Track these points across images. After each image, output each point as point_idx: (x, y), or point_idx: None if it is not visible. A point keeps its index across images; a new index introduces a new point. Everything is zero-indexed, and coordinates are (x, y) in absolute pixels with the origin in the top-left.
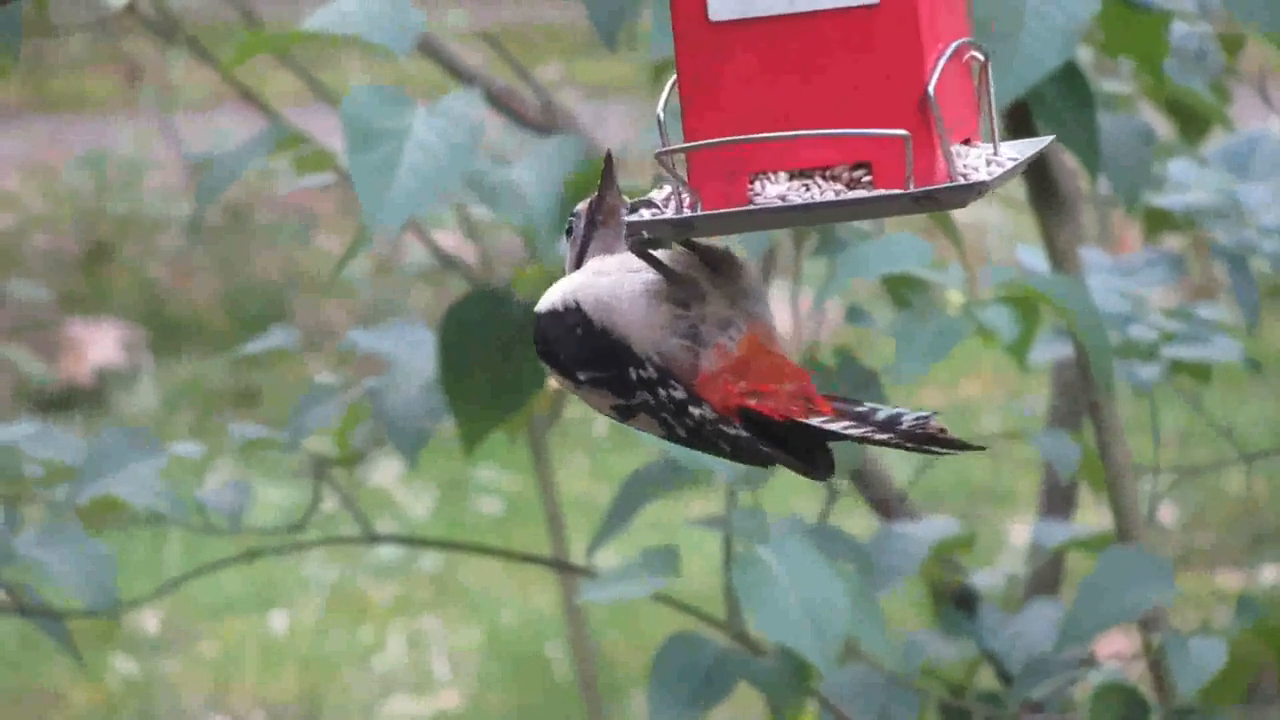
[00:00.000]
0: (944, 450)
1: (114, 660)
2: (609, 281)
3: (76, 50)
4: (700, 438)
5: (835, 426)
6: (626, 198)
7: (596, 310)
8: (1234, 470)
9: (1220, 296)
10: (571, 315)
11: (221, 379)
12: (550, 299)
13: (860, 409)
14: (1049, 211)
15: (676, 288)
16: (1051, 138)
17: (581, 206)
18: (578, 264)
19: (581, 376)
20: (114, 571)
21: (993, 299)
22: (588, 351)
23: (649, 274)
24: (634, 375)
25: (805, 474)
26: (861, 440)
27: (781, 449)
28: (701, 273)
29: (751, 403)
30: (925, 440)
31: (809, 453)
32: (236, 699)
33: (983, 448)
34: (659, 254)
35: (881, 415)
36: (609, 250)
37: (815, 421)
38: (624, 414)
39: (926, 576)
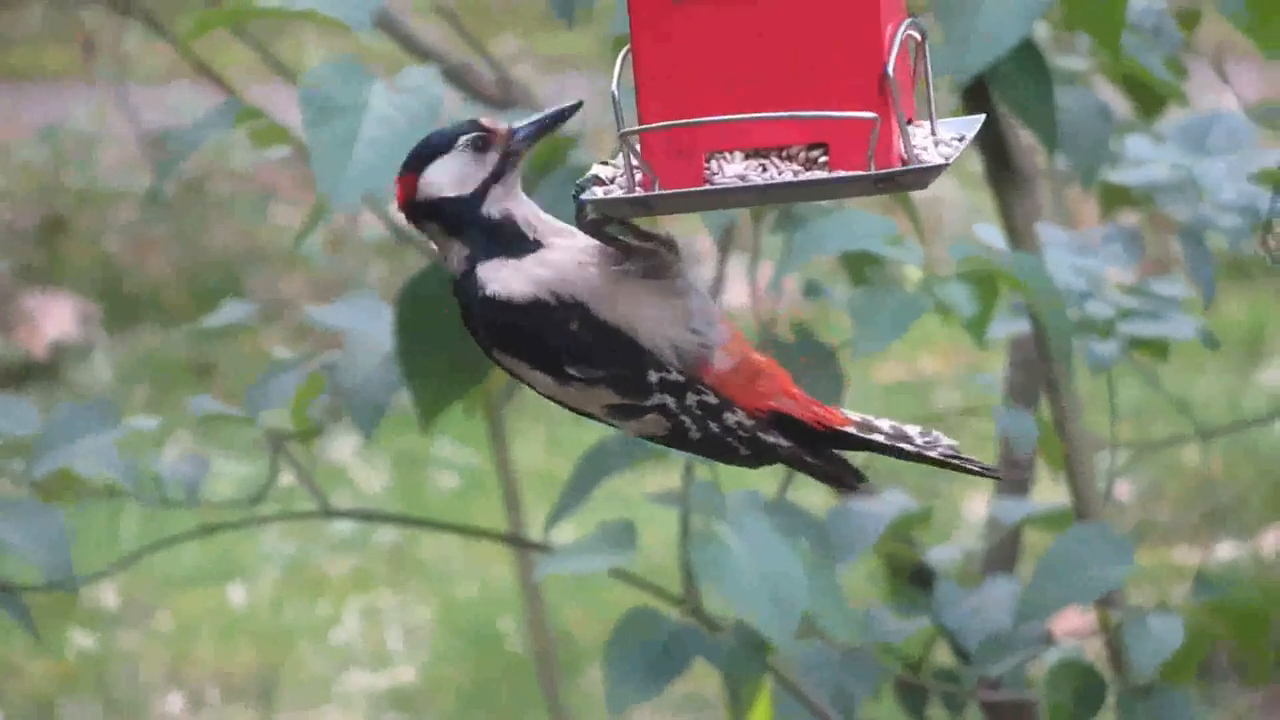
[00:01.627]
0: (963, 469)
1: (71, 634)
2: (601, 271)
3: (33, 23)
4: (717, 442)
5: (873, 437)
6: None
7: (597, 304)
8: (1190, 446)
9: (1176, 272)
10: (564, 308)
11: (178, 353)
12: (516, 286)
13: (857, 418)
14: (1006, 188)
15: (664, 279)
16: (982, 117)
17: (489, 123)
18: (478, 190)
19: (574, 373)
20: (71, 545)
21: (951, 275)
22: (584, 348)
23: (633, 263)
24: (654, 377)
25: (837, 485)
26: (898, 454)
27: (818, 457)
28: (672, 261)
29: (777, 404)
30: (946, 456)
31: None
32: (193, 672)
33: (998, 475)
34: (617, 233)
35: (887, 426)
36: (509, 190)
37: (851, 430)
38: (623, 414)
39: (883, 552)
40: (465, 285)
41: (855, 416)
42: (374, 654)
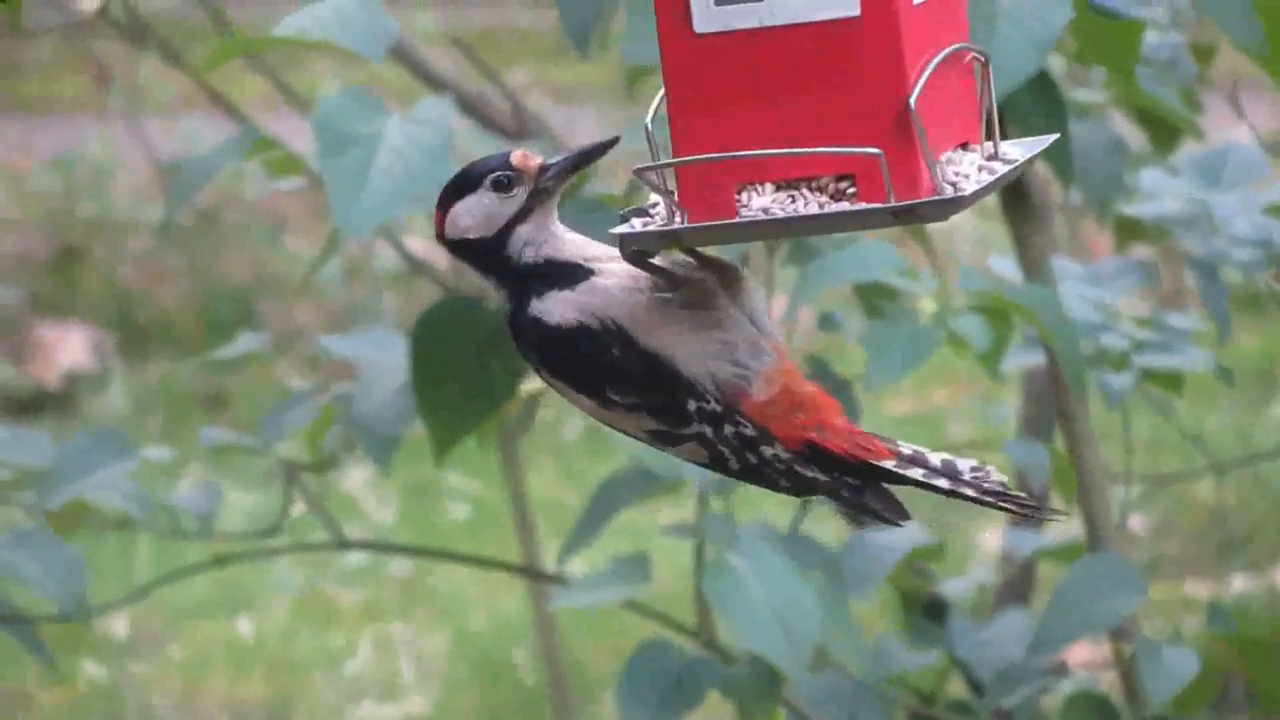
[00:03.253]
0: (1009, 508)
1: (83, 664)
2: (646, 300)
3: (46, 53)
4: (756, 473)
5: (913, 473)
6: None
7: (641, 332)
8: (1204, 479)
9: (1189, 305)
10: (608, 335)
11: (191, 383)
12: (566, 312)
13: (907, 450)
14: (1021, 220)
15: (707, 309)
16: (1055, 136)
17: (519, 160)
18: (504, 228)
19: (617, 399)
20: (84, 575)
21: (965, 308)
22: (628, 375)
23: (676, 292)
24: (692, 406)
25: (881, 520)
26: (942, 493)
27: (859, 491)
28: (718, 290)
29: (815, 436)
30: (994, 495)
31: (865, 494)
32: (205, 703)
33: (1060, 514)
34: (662, 263)
35: (935, 460)
36: (550, 224)
37: (889, 464)
38: (665, 440)
39: (897, 585)
40: (516, 318)
41: (907, 450)
42: (386, 685)
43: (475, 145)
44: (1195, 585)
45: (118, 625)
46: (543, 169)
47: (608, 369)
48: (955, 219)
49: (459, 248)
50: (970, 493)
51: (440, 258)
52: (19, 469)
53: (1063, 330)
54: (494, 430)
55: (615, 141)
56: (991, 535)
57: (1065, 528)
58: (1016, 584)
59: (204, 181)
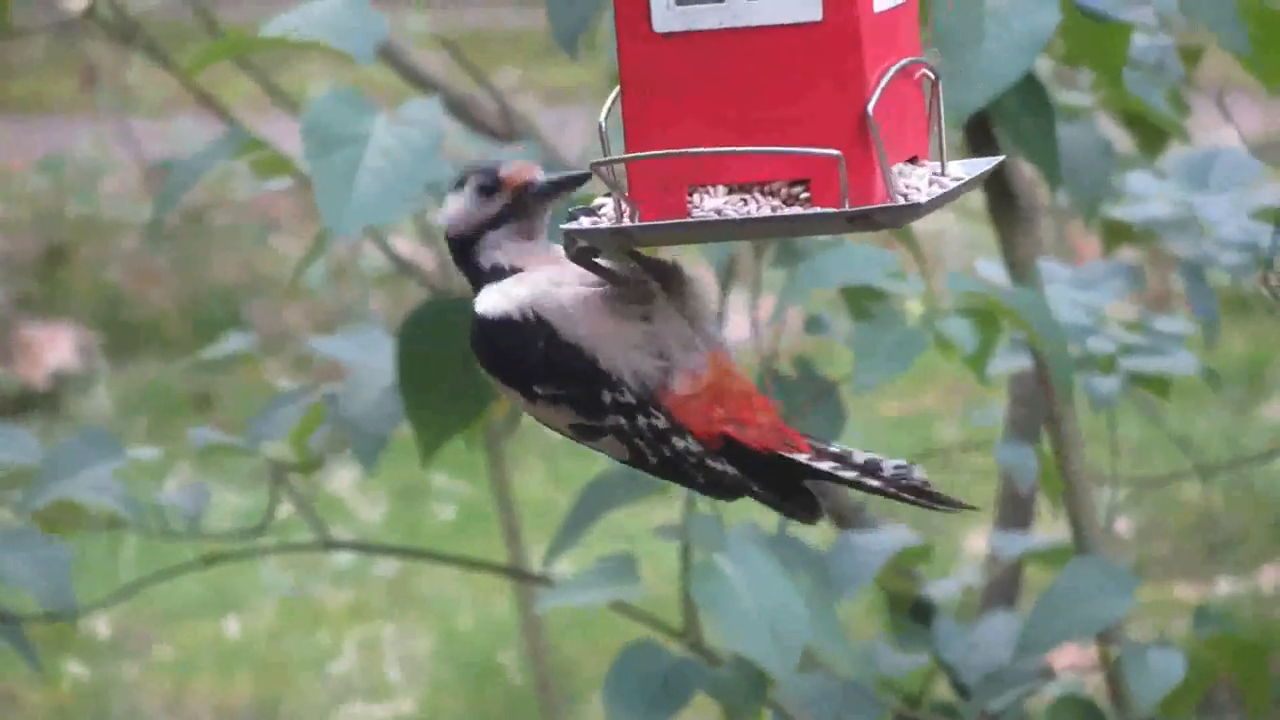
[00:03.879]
0: (930, 504)
1: (69, 664)
2: (572, 293)
3: (35, 53)
4: (674, 468)
5: (824, 466)
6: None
7: (564, 324)
8: (1191, 482)
9: (1177, 307)
10: (532, 326)
11: (178, 383)
12: (497, 304)
13: (834, 449)
14: (1008, 223)
15: (639, 304)
16: (999, 159)
17: (506, 173)
18: (476, 230)
19: (539, 391)
20: (70, 575)
21: (952, 310)
22: (549, 366)
23: (610, 287)
24: (607, 398)
25: (790, 516)
26: (852, 485)
27: (767, 487)
28: (657, 292)
29: (732, 430)
30: (912, 491)
31: (785, 491)
32: (192, 703)
33: (974, 508)
34: (606, 264)
35: (860, 459)
36: (527, 238)
37: (803, 458)
38: (586, 434)
39: (884, 586)
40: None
41: (834, 448)
42: (373, 686)
43: (464, 147)
44: (1182, 588)
45: (104, 625)
46: (527, 185)
47: (532, 362)
48: (941, 220)
49: (447, 236)
50: (873, 483)
51: (427, 259)
52: (6, 468)
53: (1050, 333)
54: (481, 431)
55: (588, 176)
56: (978, 537)
57: (1053, 530)
58: (1003, 586)
59: (193, 182)
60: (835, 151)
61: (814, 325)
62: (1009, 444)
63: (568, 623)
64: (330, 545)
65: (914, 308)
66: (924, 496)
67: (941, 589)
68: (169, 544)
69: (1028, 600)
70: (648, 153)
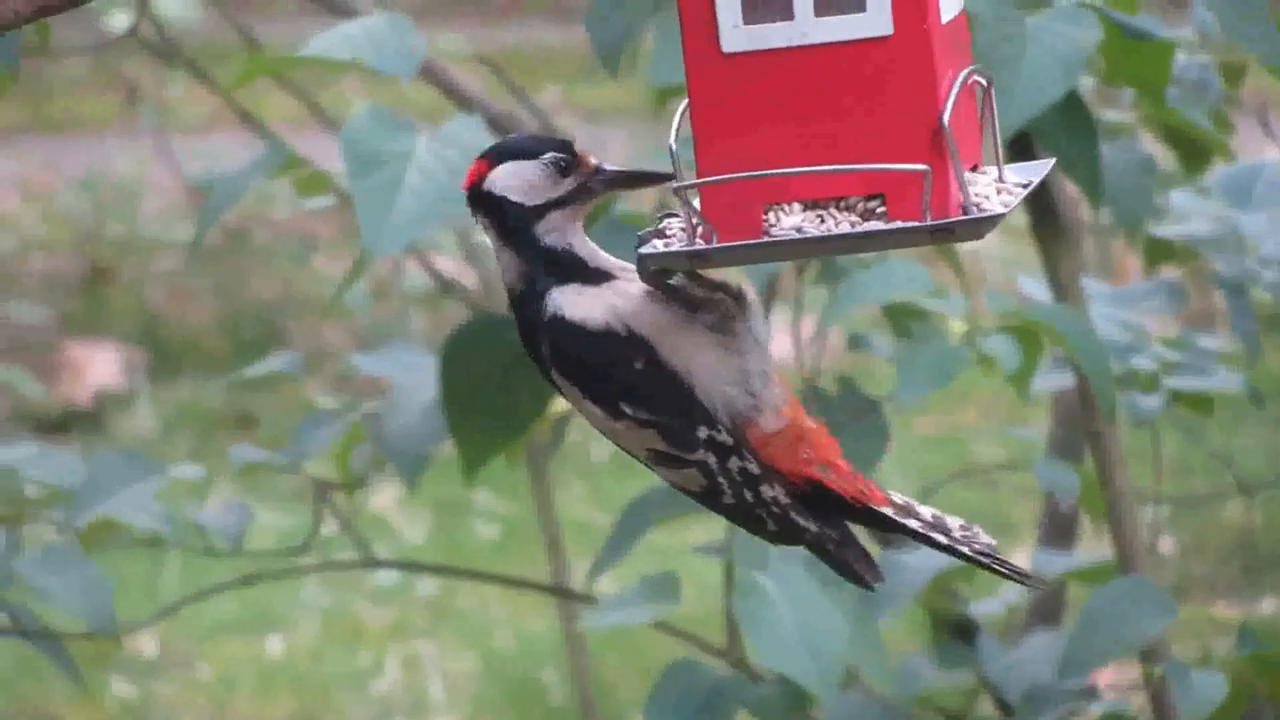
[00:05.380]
0: (999, 570)
1: (111, 682)
2: (674, 318)
3: (75, 72)
4: (747, 512)
5: (912, 524)
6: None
7: (665, 347)
8: (1233, 500)
9: (1219, 325)
10: (634, 344)
11: (220, 402)
12: (592, 312)
13: (900, 500)
14: (1051, 241)
15: (723, 333)
16: (1053, 161)
17: (584, 154)
18: (541, 206)
19: (628, 411)
20: (112, 594)
21: (994, 328)
22: (646, 389)
23: (708, 316)
24: (703, 433)
25: (857, 582)
26: (926, 543)
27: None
28: (735, 313)
29: (818, 474)
30: (982, 554)
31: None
32: None
33: (1043, 584)
34: (681, 286)
35: (926, 513)
36: (581, 224)
37: (888, 512)
38: (665, 461)
39: (927, 605)
40: (528, 302)
41: (898, 499)
42: (414, 704)
43: None
44: (1224, 607)
45: (146, 644)
46: (597, 169)
47: (626, 381)
48: (984, 239)
49: (489, 204)
50: (965, 550)
51: (470, 278)
52: (49, 487)
53: (1092, 351)
54: (523, 449)
55: (670, 176)
56: (1020, 557)
57: (1095, 548)
58: (1046, 605)
59: (233, 200)
60: (923, 166)
61: (856, 343)
62: (1051, 462)
63: (608, 641)
64: (372, 563)
65: (955, 326)
66: (996, 563)
67: (985, 608)
68: (211, 563)
69: (1070, 619)
70: (729, 175)
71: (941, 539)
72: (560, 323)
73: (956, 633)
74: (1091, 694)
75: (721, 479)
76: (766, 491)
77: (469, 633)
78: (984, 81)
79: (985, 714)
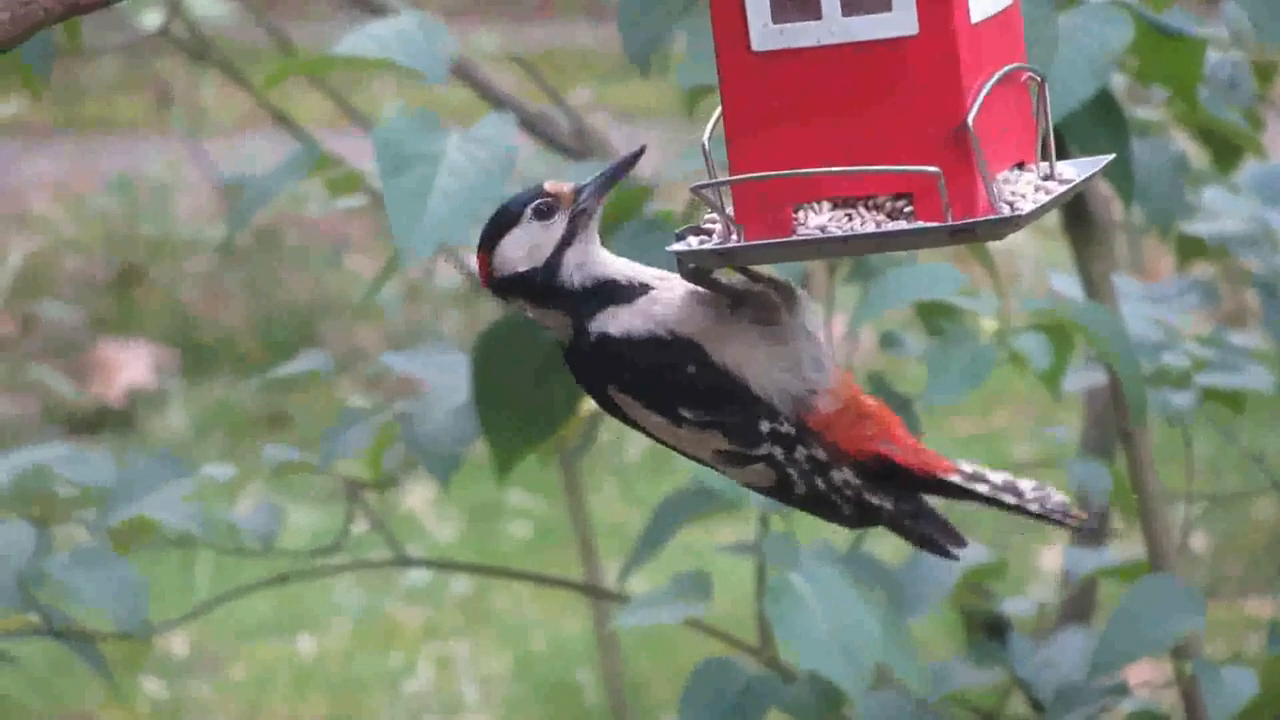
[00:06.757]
0: (1071, 524)
1: (143, 683)
2: (717, 316)
3: (107, 73)
4: (822, 500)
5: (980, 488)
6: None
7: (713, 346)
8: (1265, 499)
9: (1252, 323)
10: (681, 347)
11: (252, 402)
12: (635, 324)
13: (967, 468)
14: (1083, 239)
15: (769, 324)
16: (1109, 158)
17: (552, 187)
18: (553, 257)
19: (688, 415)
20: (145, 594)
21: (1026, 327)
22: (702, 390)
23: (751, 310)
24: (765, 427)
25: (938, 552)
26: (1002, 507)
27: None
28: (779, 304)
29: (884, 449)
30: (1058, 512)
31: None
32: None
33: (1091, 526)
34: (723, 280)
35: (997, 478)
36: (585, 250)
37: (957, 480)
38: (733, 460)
39: (958, 604)
40: (577, 345)
41: (967, 467)
42: (447, 705)
43: (536, 165)
44: (1256, 605)
45: (178, 644)
46: (577, 192)
47: (680, 384)
48: (1016, 237)
49: (510, 285)
50: (1035, 508)
51: None
52: (81, 487)
53: (1124, 350)
54: (555, 449)
55: (641, 152)
56: (1052, 554)
57: (1126, 547)
58: (1077, 603)
59: (265, 201)
60: (934, 168)
61: (888, 342)
62: (1083, 461)
63: (641, 640)
64: (405, 562)
65: (987, 324)
66: (1069, 518)
67: (1016, 606)
68: (243, 562)
69: (1102, 617)
70: (744, 176)
71: (1010, 499)
72: (607, 341)
73: (988, 631)
74: (1122, 691)
75: (790, 470)
76: (836, 476)
77: (502, 633)
78: (1037, 77)
79: (1017, 712)
